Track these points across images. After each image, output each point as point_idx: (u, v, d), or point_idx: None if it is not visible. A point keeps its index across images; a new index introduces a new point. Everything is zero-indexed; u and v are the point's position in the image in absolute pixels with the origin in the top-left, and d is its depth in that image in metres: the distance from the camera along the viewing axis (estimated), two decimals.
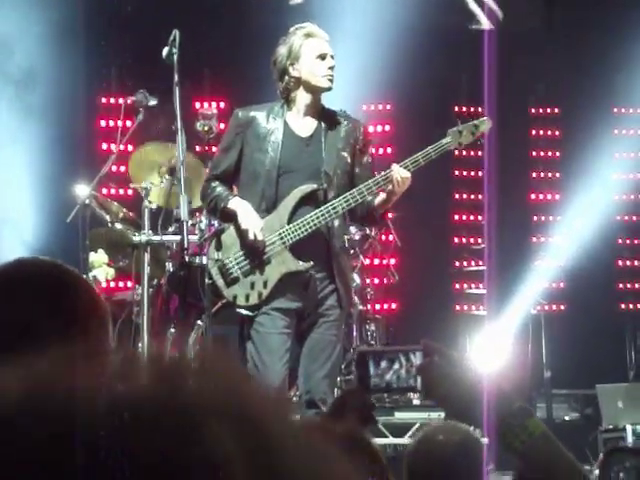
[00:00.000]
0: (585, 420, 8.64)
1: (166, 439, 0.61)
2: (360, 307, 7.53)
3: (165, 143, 6.34)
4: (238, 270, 4.62)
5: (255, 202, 4.65)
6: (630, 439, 7.27)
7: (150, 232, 6.02)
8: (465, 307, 9.62)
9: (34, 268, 1.76)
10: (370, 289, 7.99)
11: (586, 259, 9.37)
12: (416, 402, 7.01)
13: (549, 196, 10.15)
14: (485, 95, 9.48)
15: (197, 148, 7.05)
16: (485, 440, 6.01)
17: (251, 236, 4.54)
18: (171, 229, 6.29)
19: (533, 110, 10.27)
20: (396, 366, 2.50)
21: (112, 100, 9.18)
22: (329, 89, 4.72)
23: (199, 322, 5.93)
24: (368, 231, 7.56)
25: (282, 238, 4.58)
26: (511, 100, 9.76)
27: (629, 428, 7.36)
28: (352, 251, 6.81)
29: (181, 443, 0.61)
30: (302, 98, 4.71)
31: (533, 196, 10.16)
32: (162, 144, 6.45)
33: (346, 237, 4.93)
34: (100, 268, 6.35)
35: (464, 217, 9.95)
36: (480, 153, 9.81)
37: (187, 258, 4.58)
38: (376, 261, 8.77)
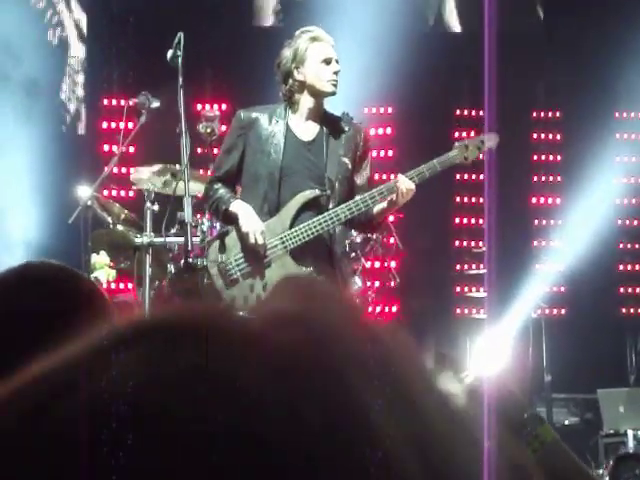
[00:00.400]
0: (585, 424, 8.65)
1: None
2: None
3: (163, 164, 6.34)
4: (238, 272, 4.63)
5: (257, 204, 4.66)
6: (631, 444, 7.27)
7: (152, 234, 6.03)
8: (466, 310, 9.61)
9: (41, 272, 1.76)
10: (371, 292, 7.99)
11: (587, 263, 9.36)
12: None
13: (550, 200, 10.15)
14: (485, 98, 9.50)
15: (199, 150, 7.05)
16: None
17: (252, 239, 4.54)
18: (173, 231, 6.29)
19: (534, 114, 10.28)
20: None
21: (114, 102, 9.18)
22: (333, 94, 4.73)
23: None
24: (370, 234, 7.56)
25: (284, 242, 4.58)
26: (513, 104, 9.76)
27: (630, 433, 7.36)
28: (353, 254, 6.82)
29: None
30: (305, 102, 4.71)
31: (534, 200, 10.17)
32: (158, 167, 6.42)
33: (347, 241, 4.93)
34: (102, 269, 6.36)
35: (465, 220, 9.96)
36: (481, 156, 9.81)
37: (190, 260, 4.59)
38: (377, 264, 8.77)
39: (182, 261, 5.45)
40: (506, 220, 9.05)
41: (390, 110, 9.90)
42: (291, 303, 0.73)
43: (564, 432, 8.39)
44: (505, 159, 9.85)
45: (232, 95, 9.04)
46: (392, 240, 8.03)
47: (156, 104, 6.23)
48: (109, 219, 6.57)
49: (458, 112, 10.04)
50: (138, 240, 6.05)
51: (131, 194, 8.50)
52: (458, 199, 9.99)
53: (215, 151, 8.18)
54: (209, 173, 6.21)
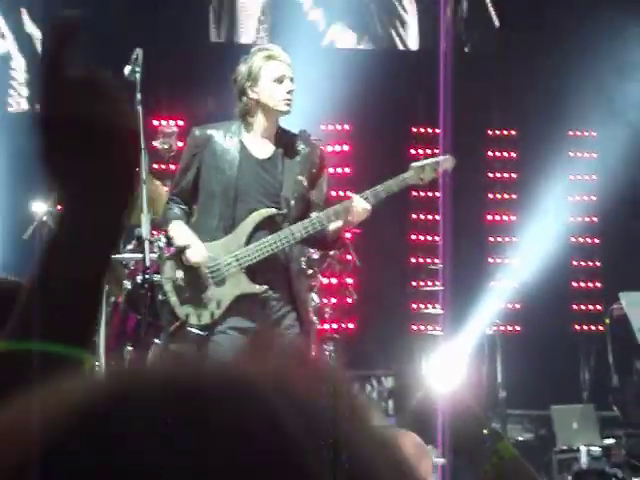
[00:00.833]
0: (539, 440, 8.70)
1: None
2: (318, 326, 7.54)
3: None
4: (192, 289, 4.62)
5: (213, 222, 4.65)
6: (584, 460, 7.33)
7: None
8: (421, 327, 9.65)
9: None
10: (328, 308, 8.00)
11: (541, 280, 9.45)
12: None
13: (505, 217, 10.24)
14: (441, 117, 9.61)
15: (156, 166, 7.04)
16: (441, 460, 6.00)
17: (190, 261, 4.56)
18: (129, 247, 6.26)
19: (490, 132, 10.37)
20: (368, 390, 2.51)
21: None
22: (287, 113, 4.72)
23: (156, 341, 5.90)
24: (326, 251, 7.57)
25: (238, 260, 4.58)
26: (468, 122, 9.85)
27: (583, 449, 7.42)
28: (311, 271, 6.83)
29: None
30: (260, 120, 4.70)
31: (489, 217, 10.25)
32: None
33: (304, 258, 4.93)
34: None
35: (421, 237, 10.01)
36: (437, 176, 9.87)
37: (147, 276, 4.57)
38: (334, 280, 8.79)
39: (139, 277, 5.43)
40: (461, 237, 9.12)
41: (347, 127, 9.94)
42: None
43: (518, 448, 8.37)
44: (460, 177, 9.94)
45: (189, 111, 9.03)
46: (349, 257, 8.05)
47: None
48: None
49: (414, 130, 10.10)
50: None
51: None
52: (414, 216, 10.04)
53: (172, 167, 8.18)
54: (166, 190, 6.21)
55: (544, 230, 9.61)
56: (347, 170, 9.80)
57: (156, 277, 5.50)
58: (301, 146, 4.76)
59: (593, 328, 9.89)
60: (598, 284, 10.16)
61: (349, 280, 8.69)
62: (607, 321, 8.37)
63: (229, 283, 4.58)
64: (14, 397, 0.64)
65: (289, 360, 0.69)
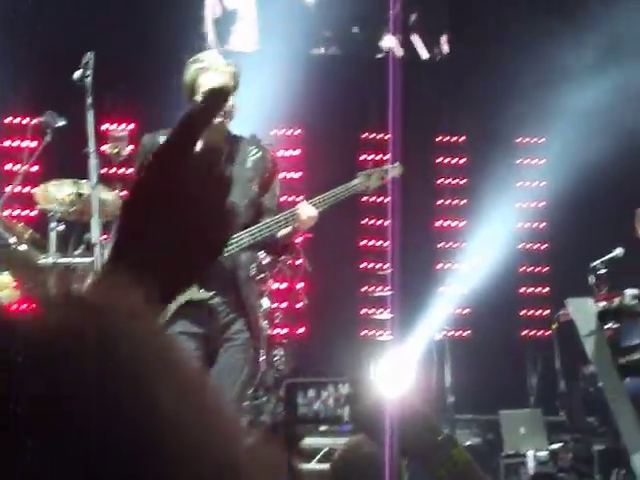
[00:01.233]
0: (487, 445, 8.75)
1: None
2: (268, 331, 7.54)
3: (68, 179, 6.26)
4: None
5: None
6: (531, 464, 7.40)
7: (57, 254, 5.94)
8: (371, 332, 9.69)
9: None
10: (279, 313, 8.00)
11: (489, 286, 9.53)
12: (323, 428, 7.01)
13: (454, 223, 10.31)
14: (390, 122, 9.63)
15: (105, 170, 6.99)
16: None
17: None
18: (79, 251, 6.21)
19: (439, 138, 10.43)
20: (324, 396, 2.52)
21: (17, 120, 9.06)
22: (226, 123, 4.67)
23: None
24: (277, 257, 7.57)
25: None
26: (418, 128, 9.90)
27: (530, 454, 7.49)
28: (261, 275, 6.82)
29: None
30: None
31: (438, 223, 10.31)
32: (64, 181, 6.35)
33: (253, 265, 4.90)
34: (5, 290, 6.24)
35: (371, 243, 10.05)
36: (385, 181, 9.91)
37: None
38: (285, 285, 8.79)
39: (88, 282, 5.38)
40: (411, 243, 9.14)
41: (299, 132, 9.95)
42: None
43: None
44: (410, 182, 9.95)
45: (140, 115, 8.98)
46: (300, 262, 8.05)
47: (62, 123, 6.16)
48: (12, 239, 6.45)
49: (365, 135, 10.14)
50: (42, 261, 5.96)
51: (35, 213, 8.38)
52: (364, 221, 10.07)
53: (122, 171, 8.13)
54: (116, 194, 6.18)
55: (493, 236, 9.69)
56: (298, 175, 9.81)
57: None
58: (252, 150, 4.74)
59: (540, 334, 9.98)
60: (546, 290, 10.26)
61: (299, 285, 8.70)
62: (554, 327, 8.45)
63: None
64: None
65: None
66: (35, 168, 7.77)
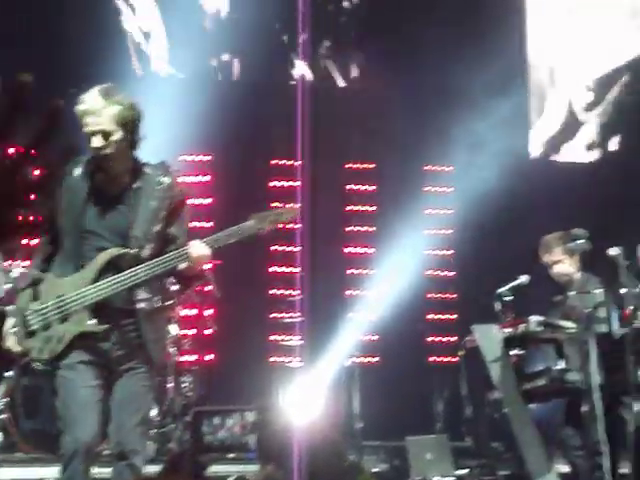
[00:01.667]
0: (394, 471, 8.77)
1: None
2: (176, 358, 7.48)
3: None
4: (38, 323, 4.56)
5: (64, 259, 4.60)
6: None
7: None
8: (280, 358, 9.67)
9: None
10: (187, 340, 7.95)
11: (398, 312, 9.60)
12: (231, 455, 6.98)
13: (363, 250, 10.37)
14: (298, 149, 9.69)
15: None
16: None
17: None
18: None
19: (348, 165, 10.50)
20: (230, 424, 2.52)
21: None
22: (105, 158, 4.64)
23: (9, 373, 5.77)
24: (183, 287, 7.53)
25: (83, 297, 4.53)
26: (328, 155, 9.97)
27: None
28: (170, 302, 6.77)
29: None
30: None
31: (348, 249, 10.36)
32: None
33: (156, 297, 4.84)
34: None
35: (280, 269, 10.05)
36: (297, 206, 9.94)
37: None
38: (194, 311, 8.74)
39: None
40: (320, 269, 9.18)
41: (208, 158, 9.93)
42: None
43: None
44: (319, 209, 10.04)
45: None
46: (209, 288, 8.02)
47: None
48: None
49: (275, 161, 10.16)
50: None
51: None
52: (273, 247, 10.08)
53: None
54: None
55: (401, 263, 9.77)
56: (208, 201, 9.78)
57: (9, 308, 5.38)
58: (159, 179, 4.70)
59: (448, 360, 10.08)
60: (453, 316, 10.38)
61: (208, 311, 8.66)
62: (461, 353, 8.54)
63: (72, 320, 4.53)
64: None
65: None
66: None
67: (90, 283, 4.54)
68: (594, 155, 11.07)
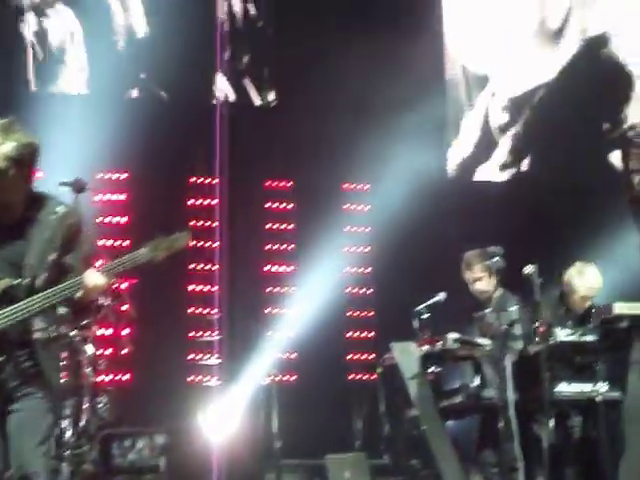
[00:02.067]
0: None
1: None
2: (92, 379, 7.39)
3: None
4: None
5: None
6: None
7: None
8: (198, 378, 9.61)
9: None
10: (103, 360, 7.85)
11: (317, 330, 9.61)
12: (141, 477, 6.92)
13: (282, 268, 10.37)
14: (217, 168, 9.67)
15: None
16: None
17: None
18: None
19: (267, 183, 10.49)
20: (140, 446, 2.48)
21: None
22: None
23: None
24: (101, 301, 7.45)
25: None
26: (246, 173, 9.97)
27: None
28: (85, 321, 6.70)
29: None
30: None
31: (267, 268, 10.35)
32: None
33: (52, 327, 4.77)
34: None
35: (199, 288, 9.99)
36: (215, 224, 9.93)
37: None
38: (110, 331, 8.65)
39: None
40: (239, 287, 9.17)
41: (125, 176, 9.84)
42: None
43: None
44: (239, 228, 10.02)
45: None
46: (125, 307, 7.94)
47: None
48: None
49: (193, 180, 10.12)
50: None
51: None
52: (192, 266, 10.02)
53: None
54: None
55: (320, 281, 9.79)
56: (124, 219, 9.69)
57: None
58: (54, 209, 4.66)
59: (366, 378, 10.11)
60: (372, 334, 10.42)
61: (125, 331, 8.56)
62: (379, 370, 8.58)
63: None
64: None
65: None
66: None
67: None
68: (506, 175, 11.23)
